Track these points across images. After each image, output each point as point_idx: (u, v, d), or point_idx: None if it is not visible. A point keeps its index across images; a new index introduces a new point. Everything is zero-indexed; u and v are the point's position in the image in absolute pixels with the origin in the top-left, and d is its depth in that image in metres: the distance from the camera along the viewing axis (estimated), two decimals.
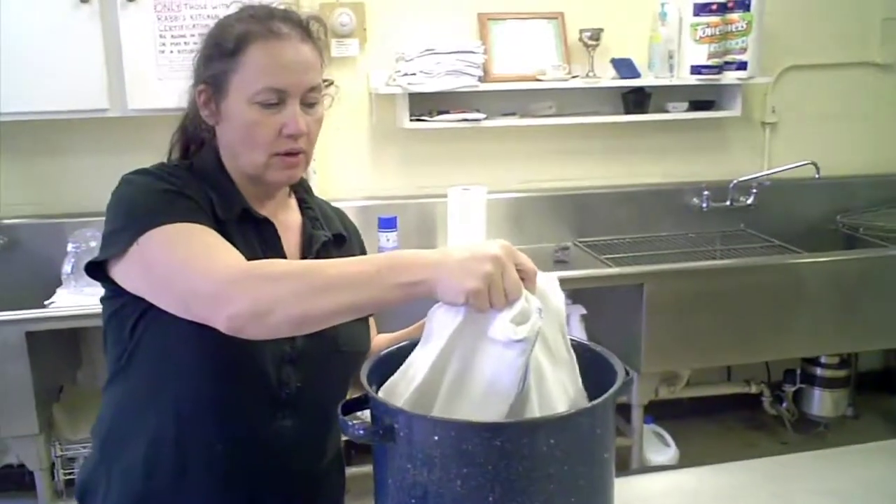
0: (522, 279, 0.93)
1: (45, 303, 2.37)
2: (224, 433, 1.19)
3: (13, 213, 2.72)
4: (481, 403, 0.91)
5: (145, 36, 2.46)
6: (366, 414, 0.96)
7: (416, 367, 0.95)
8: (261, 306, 0.99)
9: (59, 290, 2.45)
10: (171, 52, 2.46)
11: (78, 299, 2.32)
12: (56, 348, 2.46)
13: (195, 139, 1.31)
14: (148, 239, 1.10)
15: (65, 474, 2.50)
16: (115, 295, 1.18)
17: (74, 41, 2.42)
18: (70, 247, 2.50)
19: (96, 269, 1.17)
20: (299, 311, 0.99)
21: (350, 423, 0.89)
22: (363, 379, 0.95)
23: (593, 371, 0.99)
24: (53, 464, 2.47)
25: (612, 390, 0.87)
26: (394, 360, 0.96)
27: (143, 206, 1.14)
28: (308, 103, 1.22)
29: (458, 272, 0.91)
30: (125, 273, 1.14)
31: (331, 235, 1.34)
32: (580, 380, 0.99)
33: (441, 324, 0.94)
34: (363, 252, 1.43)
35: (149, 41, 2.47)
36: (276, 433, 1.22)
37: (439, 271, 0.93)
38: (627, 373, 0.93)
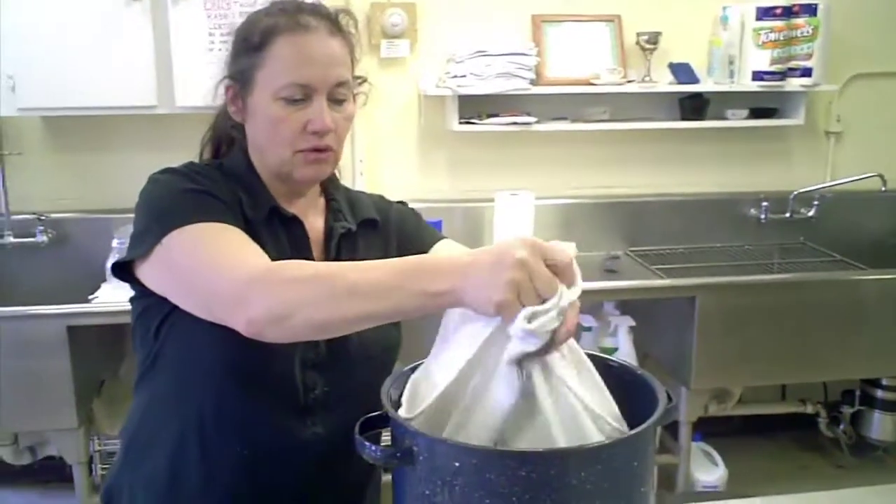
0: (556, 274, 0.86)
1: (89, 297, 2.37)
2: (249, 440, 1.16)
3: (61, 208, 2.73)
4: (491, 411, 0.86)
5: (195, 33, 2.45)
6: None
7: (440, 374, 0.89)
8: (280, 310, 0.95)
9: (103, 286, 2.45)
10: (220, 49, 2.44)
11: (121, 294, 2.31)
12: (98, 343, 2.46)
13: (226, 138, 1.29)
14: (171, 239, 1.07)
15: (102, 469, 2.50)
16: (142, 296, 1.16)
17: (124, 38, 2.42)
18: (115, 242, 2.50)
19: (123, 270, 1.15)
20: (320, 317, 0.94)
21: (366, 444, 0.84)
22: (383, 397, 0.89)
23: (633, 395, 0.92)
24: (92, 458, 2.47)
25: (652, 419, 0.80)
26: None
27: (168, 205, 1.11)
28: (336, 100, 1.19)
29: (484, 283, 0.85)
30: (150, 274, 1.12)
31: (354, 225, 1.28)
32: (605, 389, 0.92)
33: (473, 330, 0.89)
34: (414, 233, 1.36)
35: (198, 39, 2.46)
36: (307, 441, 1.18)
37: (465, 281, 0.87)
38: (670, 398, 0.86)
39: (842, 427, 3.12)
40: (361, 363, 1.20)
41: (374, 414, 0.89)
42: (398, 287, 0.91)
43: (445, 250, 1.32)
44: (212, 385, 1.14)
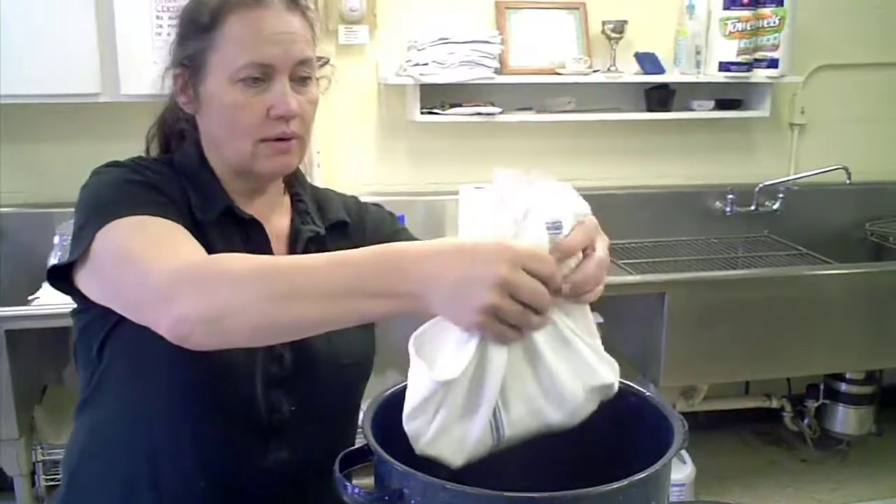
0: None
1: (29, 298, 2.23)
2: (207, 471, 1.04)
3: None
4: None
5: (141, 16, 2.31)
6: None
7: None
8: (210, 310, 0.83)
9: (44, 285, 2.30)
10: (168, 34, 2.29)
11: (63, 295, 2.18)
12: (39, 347, 2.32)
13: (175, 133, 1.16)
14: (105, 232, 0.95)
15: (46, 480, 2.36)
16: (84, 309, 1.04)
17: (65, 21, 2.27)
18: (56, 238, 2.36)
19: (62, 279, 1.02)
20: (257, 321, 0.82)
21: (347, 484, 0.74)
22: (366, 430, 0.79)
23: (639, 419, 0.83)
24: (35, 468, 2.33)
25: (669, 454, 0.72)
26: (399, 404, 0.81)
27: (107, 198, 1.00)
28: (300, 81, 1.07)
29: (454, 298, 0.74)
30: (87, 277, 0.99)
31: (322, 228, 1.17)
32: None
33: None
34: (384, 232, 1.24)
35: (145, 21, 2.32)
36: (271, 468, 1.06)
37: (431, 289, 0.75)
38: (684, 423, 0.78)
39: (806, 421, 3.11)
40: (332, 378, 1.09)
41: (355, 448, 0.79)
42: (352, 288, 0.79)
43: None
44: (164, 411, 1.02)
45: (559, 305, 0.79)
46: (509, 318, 0.74)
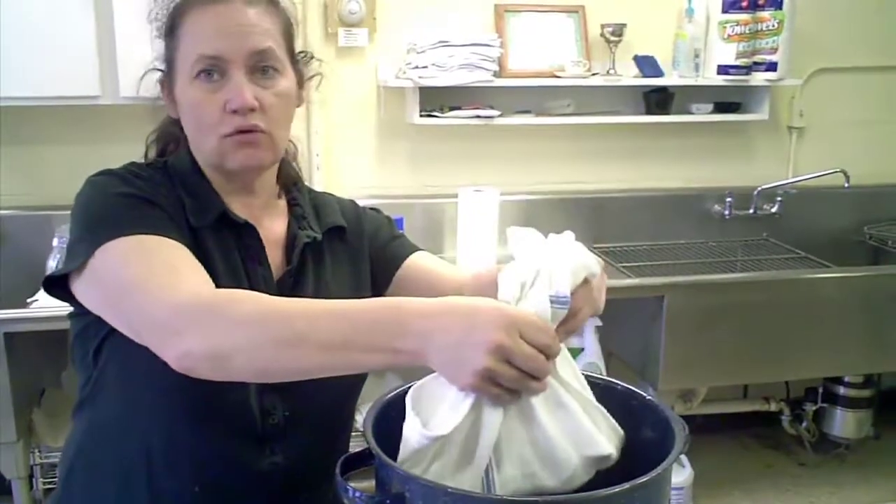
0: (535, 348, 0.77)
1: (28, 301, 2.22)
2: (202, 475, 1.04)
3: None
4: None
5: (140, 19, 2.28)
6: None
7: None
8: (217, 349, 0.85)
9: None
10: None
11: None
12: (38, 350, 2.31)
13: (172, 137, 1.16)
14: (103, 252, 0.95)
15: (44, 483, 2.36)
16: (80, 313, 1.04)
17: (65, 24, 2.26)
18: (56, 241, 2.36)
19: (57, 285, 1.02)
20: (261, 365, 0.85)
21: (348, 488, 0.74)
22: (367, 433, 0.80)
23: (640, 422, 0.83)
24: (33, 471, 2.33)
25: (670, 458, 0.72)
26: (399, 406, 0.81)
27: (102, 213, 0.99)
28: (261, 73, 1.06)
29: (451, 359, 0.76)
30: (83, 290, 0.99)
31: (320, 234, 1.16)
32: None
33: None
34: (386, 244, 1.24)
35: (144, 24, 2.30)
36: (265, 472, 1.06)
37: (429, 346, 0.77)
38: (685, 428, 0.78)
39: (804, 424, 3.10)
40: (327, 382, 1.09)
41: (356, 452, 0.79)
42: (352, 341, 0.81)
43: (422, 264, 1.22)
44: (159, 415, 1.03)
45: None
46: (505, 382, 0.76)
